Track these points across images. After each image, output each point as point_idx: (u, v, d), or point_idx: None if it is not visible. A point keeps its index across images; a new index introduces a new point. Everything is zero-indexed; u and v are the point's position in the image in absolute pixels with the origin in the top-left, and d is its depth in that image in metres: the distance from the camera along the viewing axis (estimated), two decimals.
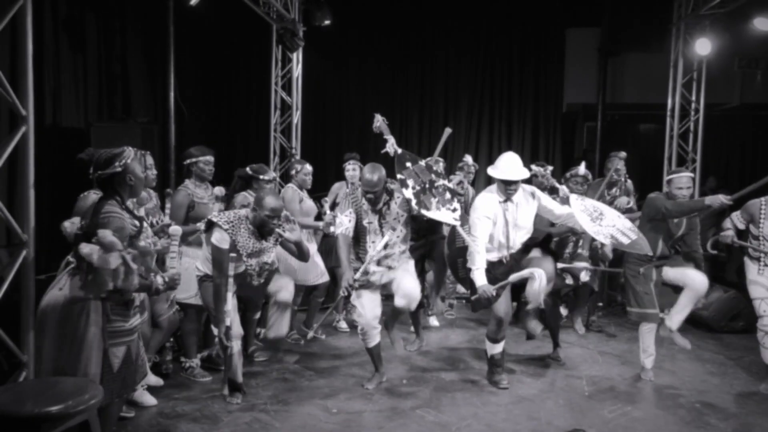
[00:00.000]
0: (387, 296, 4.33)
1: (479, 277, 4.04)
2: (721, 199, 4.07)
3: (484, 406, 4.04)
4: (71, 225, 3.25)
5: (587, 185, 5.05)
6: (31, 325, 3.13)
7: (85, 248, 2.66)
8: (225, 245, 3.74)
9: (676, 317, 4.39)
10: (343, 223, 4.08)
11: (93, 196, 3.53)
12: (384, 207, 4.12)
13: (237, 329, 3.88)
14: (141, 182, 2.99)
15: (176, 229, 3.12)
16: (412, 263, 4.29)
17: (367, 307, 4.12)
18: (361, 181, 4.08)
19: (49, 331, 2.78)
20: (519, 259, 4.26)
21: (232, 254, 3.74)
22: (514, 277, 4.07)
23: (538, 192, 4.29)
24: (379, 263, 4.14)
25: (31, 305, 3.13)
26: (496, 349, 4.35)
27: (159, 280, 2.94)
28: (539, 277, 3.96)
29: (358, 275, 4.03)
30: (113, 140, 5.19)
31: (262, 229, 3.88)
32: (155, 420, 3.71)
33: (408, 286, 4.11)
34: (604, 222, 4.12)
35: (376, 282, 4.15)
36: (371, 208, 4.11)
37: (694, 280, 4.32)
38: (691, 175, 4.41)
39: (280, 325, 4.14)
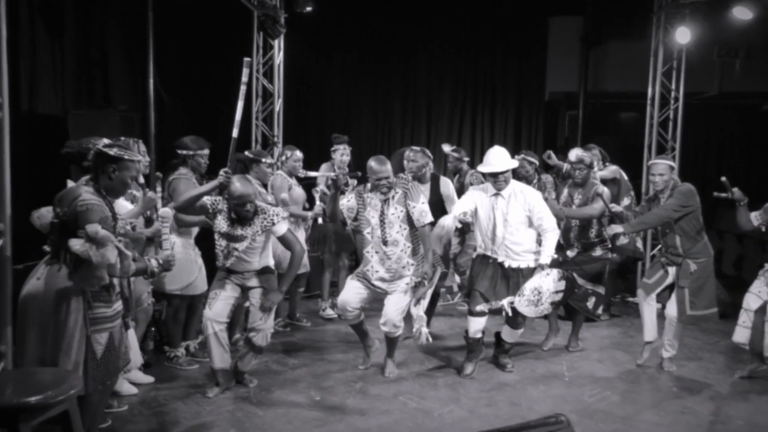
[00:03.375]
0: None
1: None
2: (614, 229, 4.39)
3: (466, 393, 4.08)
4: (39, 217, 3.21)
5: (588, 170, 4.85)
6: (8, 316, 3.08)
7: (77, 245, 2.62)
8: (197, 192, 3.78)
9: (666, 343, 4.51)
10: (344, 205, 4.18)
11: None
12: (388, 199, 4.13)
13: (216, 315, 3.83)
14: (124, 186, 2.99)
15: (166, 211, 3.12)
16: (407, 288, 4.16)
17: (349, 289, 4.18)
18: (369, 172, 4.11)
19: (30, 321, 2.76)
20: (509, 275, 4.27)
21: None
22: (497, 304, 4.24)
23: (531, 193, 4.29)
24: (383, 264, 4.15)
25: (8, 295, 3.09)
26: (475, 326, 4.33)
27: (153, 262, 2.97)
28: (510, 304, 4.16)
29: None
30: (92, 128, 5.12)
31: (238, 216, 3.81)
32: (137, 409, 3.70)
33: (388, 309, 4.13)
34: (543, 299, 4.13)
35: (370, 287, 4.19)
36: (381, 198, 4.12)
37: (671, 310, 4.38)
38: (669, 162, 4.38)
39: (246, 361, 4.02)
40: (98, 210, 2.72)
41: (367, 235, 4.19)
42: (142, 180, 3.88)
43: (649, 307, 4.52)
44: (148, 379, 4.09)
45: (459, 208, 4.26)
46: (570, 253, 4.75)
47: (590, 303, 4.79)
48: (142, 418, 3.58)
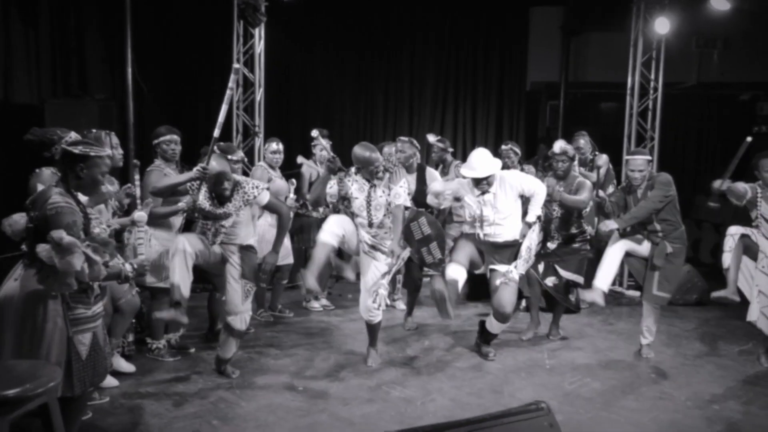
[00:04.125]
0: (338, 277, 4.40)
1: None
2: (608, 224, 4.38)
3: (448, 381, 4.11)
4: (11, 225, 3.15)
5: (570, 162, 4.92)
6: None
7: (43, 251, 2.55)
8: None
9: (644, 327, 4.57)
10: (329, 192, 4.19)
11: (46, 172, 3.42)
12: (376, 183, 4.16)
13: (191, 242, 3.80)
14: (95, 184, 2.86)
15: (141, 216, 3.06)
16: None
17: (332, 222, 4.14)
18: (363, 162, 4.11)
19: (8, 324, 2.70)
20: (491, 251, 4.36)
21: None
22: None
23: (513, 177, 4.38)
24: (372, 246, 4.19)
25: None
26: (501, 328, 4.47)
27: (128, 267, 2.91)
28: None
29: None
30: (69, 117, 5.06)
31: (218, 195, 3.85)
32: (118, 402, 3.67)
33: (362, 297, 4.22)
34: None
35: (356, 246, 4.23)
36: (365, 183, 4.15)
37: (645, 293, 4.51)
38: (647, 157, 4.46)
39: (226, 348, 4.00)
40: (67, 213, 2.64)
41: (356, 219, 4.23)
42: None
43: (614, 252, 4.50)
44: (130, 367, 4.07)
45: (450, 189, 4.35)
46: (551, 245, 4.80)
47: (573, 296, 4.85)
48: (123, 411, 3.56)
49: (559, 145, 4.77)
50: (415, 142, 5.16)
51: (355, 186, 4.19)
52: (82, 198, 2.85)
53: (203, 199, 3.85)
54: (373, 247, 4.18)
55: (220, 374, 4.04)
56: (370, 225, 4.17)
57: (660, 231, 4.40)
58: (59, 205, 2.65)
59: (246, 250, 3.97)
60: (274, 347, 4.69)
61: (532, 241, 4.40)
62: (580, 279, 4.84)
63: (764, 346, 4.48)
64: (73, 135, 3.35)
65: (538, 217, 4.45)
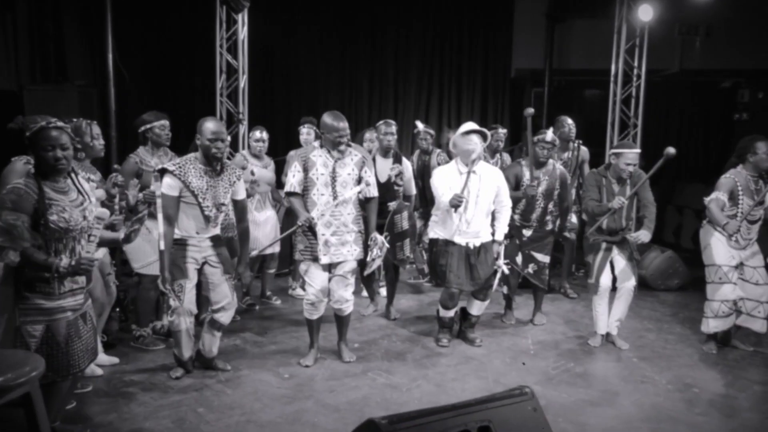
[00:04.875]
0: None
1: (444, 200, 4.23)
2: (621, 200, 4.21)
3: (433, 367, 4.14)
4: None
5: (553, 150, 4.99)
6: None
7: None
8: (174, 192, 3.59)
9: (611, 321, 4.56)
10: (290, 181, 3.97)
11: (18, 163, 3.36)
12: (341, 157, 3.97)
13: (189, 306, 3.74)
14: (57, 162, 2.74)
15: (102, 212, 2.88)
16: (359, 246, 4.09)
17: (317, 279, 4.00)
18: (328, 128, 3.91)
19: None
20: (474, 254, 4.36)
21: (189, 201, 3.62)
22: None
23: (495, 170, 4.45)
24: (329, 229, 3.96)
25: None
26: (447, 314, 4.53)
27: (64, 261, 2.66)
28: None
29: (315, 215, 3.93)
30: (49, 104, 4.98)
31: (210, 157, 3.66)
32: (102, 390, 3.65)
33: (341, 294, 4.06)
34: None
35: (324, 262, 3.98)
36: (330, 157, 3.95)
37: (623, 279, 4.44)
38: (639, 150, 4.42)
39: (214, 345, 3.96)
40: (9, 198, 2.60)
41: (314, 197, 3.95)
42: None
43: (603, 302, 4.53)
44: (112, 360, 4.04)
45: (445, 191, 4.25)
46: (527, 232, 4.85)
47: (531, 269, 4.89)
48: (107, 399, 3.54)
49: (550, 134, 4.85)
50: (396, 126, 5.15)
51: (320, 161, 3.96)
52: (64, 184, 2.79)
53: (197, 180, 3.64)
54: (333, 244, 3.98)
55: (211, 369, 3.96)
56: (334, 200, 3.93)
57: (625, 225, 4.43)
58: (6, 190, 2.65)
59: (218, 244, 3.83)
60: (260, 335, 4.69)
61: (502, 255, 4.47)
62: (547, 259, 4.95)
63: (741, 332, 4.57)
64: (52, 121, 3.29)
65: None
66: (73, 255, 2.76)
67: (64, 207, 2.72)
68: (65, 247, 2.75)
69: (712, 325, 4.41)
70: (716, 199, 4.24)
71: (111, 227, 3.32)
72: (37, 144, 2.71)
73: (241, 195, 3.88)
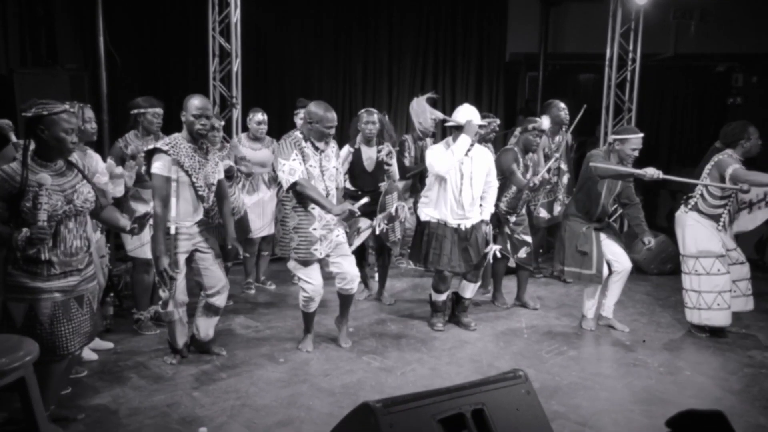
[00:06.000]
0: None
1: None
2: (654, 172, 3.99)
3: (428, 351, 4.16)
4: None
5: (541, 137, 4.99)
6: None
7: None
8: (166, 172, 3.53)
9: (610, 305, 4.59)
10: (296, 169, 3.78)
11: (10, 147, 3.33)
12: (324, 149, 3.92)
13: (181, 296, 3.72)
14: (60, 142, 2.74)
15: (44, 177, 2.81)
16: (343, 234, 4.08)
17: (315, 275, 3.95)
18: (318, 119, 3.80)
19: None
20: (466, 238, 4.39)
21: (183, 180, 3.57)
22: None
23: (485, 151, 4.50)
24: (320, 222, 3.90)
25: None
26: (440, 297, 4.55)
27: (24, 233, 2.61)
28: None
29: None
30: (39, 88, 4.93)
31: (194, 134, 3.61)
32: (97, 375, 3.66)
33: (347, 269, 4.00)
34: None
35: (318, 255, 3.92)
36: (315, 150, 3.87)
37: (622, 262, 4.45)
38: (642, 135, 4.32)
39: (207, 329, 3.94)
40: None
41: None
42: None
43: (598, 288, 4.54)
44: (107, 344, 4.04)
45: (442, 157, 4.26)
46: (512, 219, 4.88)
47: (523, 253, 4.91)
48: (102, 384, 3.55)
49: (546, 122, 4.85)
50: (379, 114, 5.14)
51: (310, 152, 3.86)
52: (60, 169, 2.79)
53: (189, 159, 3.58)
54: (327, 228, 3.95)
55: (206, 353, 3.96)
56: (327, 196, 3.88)
57: (609, 211, 4.60)
58: None
59: (206, 229, 3.78)
60: (255, 319, 4.70)
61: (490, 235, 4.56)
62: (530, 238, 5.00)
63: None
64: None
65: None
66: (58, 238, 2.76)
67: (46, 193, 2.69)
68: (50, 229, 2.71)
69: (704, 317, 4.39)
70: (738, 167, 4.15)
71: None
72: (56, 125, 2.70)
73: (222, 174, 3.88)
